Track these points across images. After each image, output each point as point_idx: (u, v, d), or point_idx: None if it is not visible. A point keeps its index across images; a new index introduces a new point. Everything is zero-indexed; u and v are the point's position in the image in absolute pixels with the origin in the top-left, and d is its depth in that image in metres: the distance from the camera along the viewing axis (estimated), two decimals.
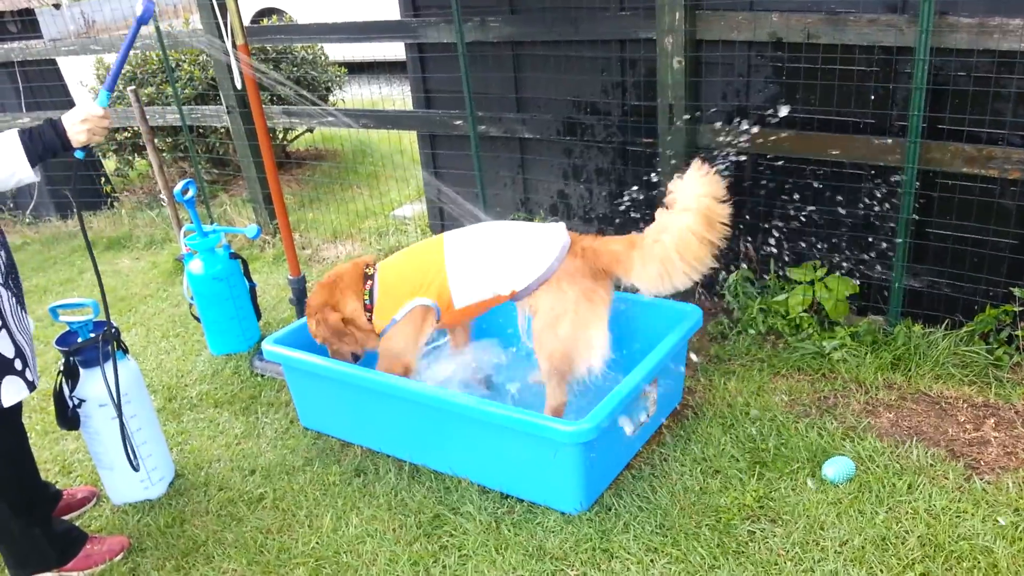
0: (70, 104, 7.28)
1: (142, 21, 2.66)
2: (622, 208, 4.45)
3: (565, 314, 2.98)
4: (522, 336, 3.30)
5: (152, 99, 6.81)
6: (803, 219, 3.87)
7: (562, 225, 3.15)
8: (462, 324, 3.45)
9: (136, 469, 2.99)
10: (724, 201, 2.84)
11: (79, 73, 7.93)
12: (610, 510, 2.85)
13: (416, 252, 3.31)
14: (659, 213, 2.96)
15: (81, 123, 2.49)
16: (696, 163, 2.90)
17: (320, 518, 3.00)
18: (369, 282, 3.23)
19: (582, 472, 2.75)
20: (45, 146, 2.48)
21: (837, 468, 2.88)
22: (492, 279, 3.10)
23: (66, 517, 3.14)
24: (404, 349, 3.20)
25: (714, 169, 2.90)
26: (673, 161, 3.96)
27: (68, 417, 2.96)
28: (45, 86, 7.07)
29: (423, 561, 2.73)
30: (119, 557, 2.92)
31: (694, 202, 2.83)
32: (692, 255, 2.85)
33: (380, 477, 3.17)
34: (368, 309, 3.23)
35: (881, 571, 2.47)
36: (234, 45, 3.69)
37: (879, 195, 3.63)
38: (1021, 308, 3.35)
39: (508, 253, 3.09)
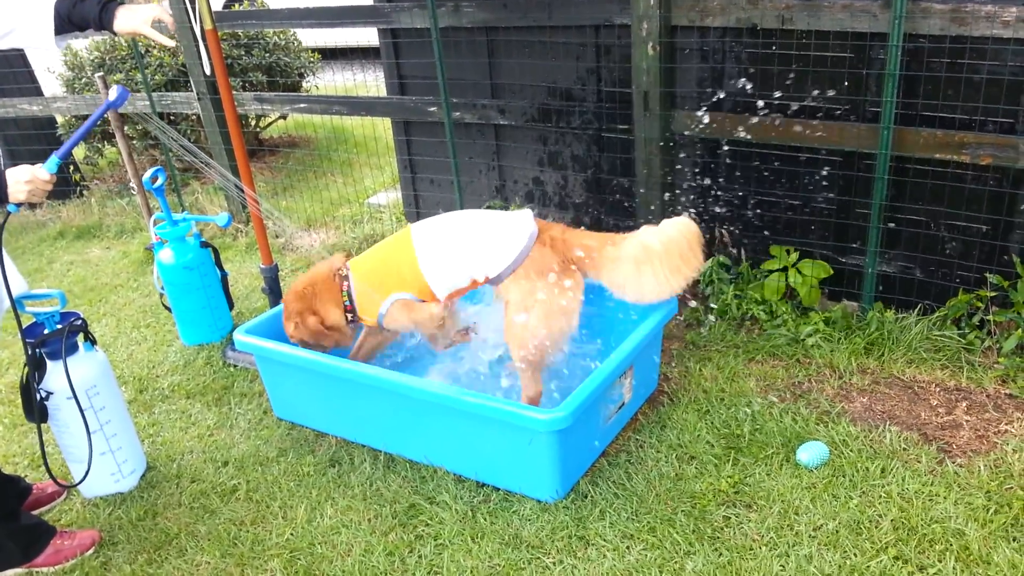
0: (37, 91, 7.14)
1: (112, 106, 2.66)
2: (598, 195, 4.44)
3: (535, 305, 2.97)
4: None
5: (127, 89, 6.69)
6: (777, 205, 3.88)
7: (529, 213, 3.12)
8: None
9: (84, 476, 2.97)
10: (702, 247, 2.99)
11: (46, 59, 7.77)
12: (586, 497, 2.85)
13: (385, 249, 3.27)
14: (642, 228, 3.01)
15: (25, 183, 2.47)
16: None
17: (294, 509, 2.97)
18: (345, 283, 3.21)
19: (558, 460, 2.74)
20: None
21: (811, 453, 2.89)
22: (466, 266, 3.08)
23: (37, 512, 3.09)
24: (413, 317, 3.14)
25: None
26: (649, 146, 3.95)
27: (36, 409, 2.90)
28: (12, 72, 6.92)
29: (399, 551, 2.71)
30: (90, 551, 2.88)
31: (676, 229, 2.94)
32: (669, 266, 2.91)
33: (355, 467, 3.15)
34: (349, 310, 3.21)
35: (855, 555, 2.49)
36: (203, 30, 3.61)
37: (853, 181, 3.64)
38: (994, 293, 3.38)
39: (477, 241, 3.07)
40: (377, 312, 3.15)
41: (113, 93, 2.66)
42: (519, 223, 3.07)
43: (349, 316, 3.23)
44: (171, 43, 2.93)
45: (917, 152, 3.35)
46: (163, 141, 5.42)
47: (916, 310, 3.60)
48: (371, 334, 3.45)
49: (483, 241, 3.06)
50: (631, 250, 2.95)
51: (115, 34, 2.71)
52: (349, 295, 3.20)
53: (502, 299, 3.09)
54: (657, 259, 2.91)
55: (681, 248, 2.91)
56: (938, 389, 3.26)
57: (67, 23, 2.61)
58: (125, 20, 2.64)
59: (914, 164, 3.45)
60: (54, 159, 2.56)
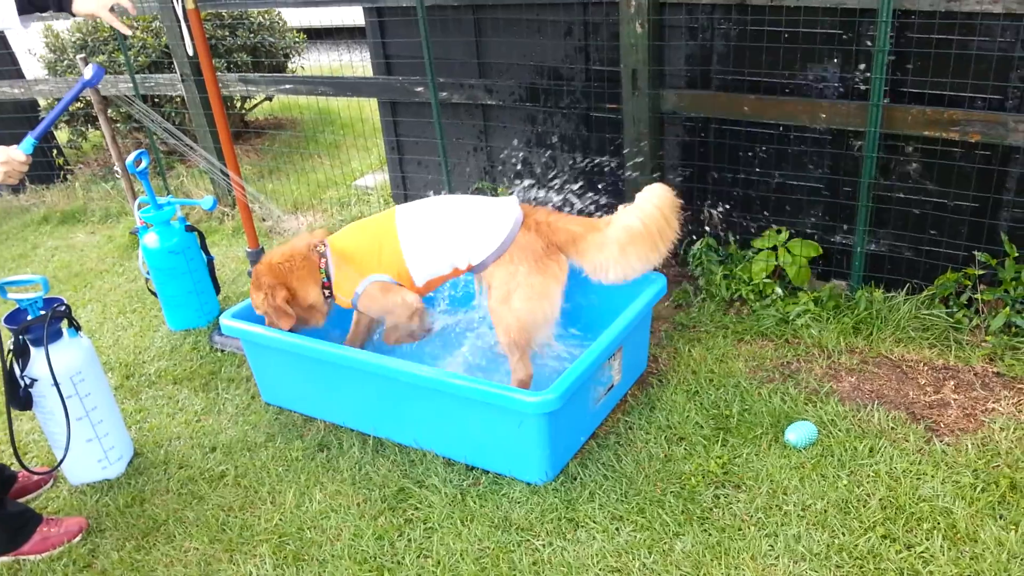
0: (19, 74, 7.05)
1: (88, 84, 2.65)
2: (587, 175, 4.41)
3: (518, 288, 2.96)
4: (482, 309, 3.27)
5: (103, 67, 6.60)
6: (766, 184, 3.86)
7: (515, 199, 3.10)
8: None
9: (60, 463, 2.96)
10: (678, 213, 2.98)
11: (27, 41, 7.67)
12: (575, 479, 2.85)
13: (367, 228, 3.23)
14: (619, 209, 3.00)
15: (1, 164, 2.44)
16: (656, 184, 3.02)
17: (283, 494, 2.96)
18: (323, 260, 3.17)
19: (547, 442, 2.74)
20: None
21: (800, 433, 2.89)
22: (449, 253, 3.06)
23: (23, 499, 3.07)
24: (387, 303, 3.11)
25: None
26: (638, 124, 3.92)
27: (20, 397, 2.87)
28: None
29: (388, 535, 2.70)
30: (77, 539, 2.86)
31: (652, 203, 2.92)
32: (650, 244, 2.92)
33: (344, 452, 3.13)
34: (327, 287, 3.18)
35: (843, 534, 2.50)
36: (184, 10, 3.55)
37: (842, 159, 3.62)
38: (982, 271, 3.38)
39: (462, 228, 3.04)
40: (352, 292, 3.12)
41: (88, 72, 2.64)
42: (504, 210, 3.04)
43: (326, 293, 3.20)
44: (127, 31, 2.94)
45: (907, 130, 3.34)
46: (146, 124, 5.35)
47: (904, 289, 3.60)
48: (360, 325, 3.42)
49: (467, 228, 3.03)
50: (615, 234, 2.94)
51: (73, 15, 2.74)
52: (327, 272, 3.17)
53: (485, 283, 3.07)
54: (640, 239, 2.91)
55: (659, 224, 2.91)
56: (926, 368, 3.26)
57: (28, 4, 2.62)
58: (84, 3, 2.68)
59: (902, 142, 3.43)
60: (29, 140, 2.53)
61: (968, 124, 3.18)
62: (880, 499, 2.61)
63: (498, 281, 3.00)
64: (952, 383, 3.15)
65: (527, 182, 4.67)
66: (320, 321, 3.27)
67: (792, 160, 3.75)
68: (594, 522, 2.65)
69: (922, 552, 2.41)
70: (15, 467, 3.19)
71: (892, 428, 2.93)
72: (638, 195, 2.98)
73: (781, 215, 3.88)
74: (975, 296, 3.41)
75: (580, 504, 2.73)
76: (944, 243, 3.52)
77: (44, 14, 2.75)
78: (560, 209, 4.22)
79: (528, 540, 2.62)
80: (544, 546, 2.59)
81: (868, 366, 3.31)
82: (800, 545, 2.47)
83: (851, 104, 3.42)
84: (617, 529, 2.62)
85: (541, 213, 3.08)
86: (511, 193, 4.63)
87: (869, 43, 3.33)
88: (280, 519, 2.84)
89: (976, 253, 3.40)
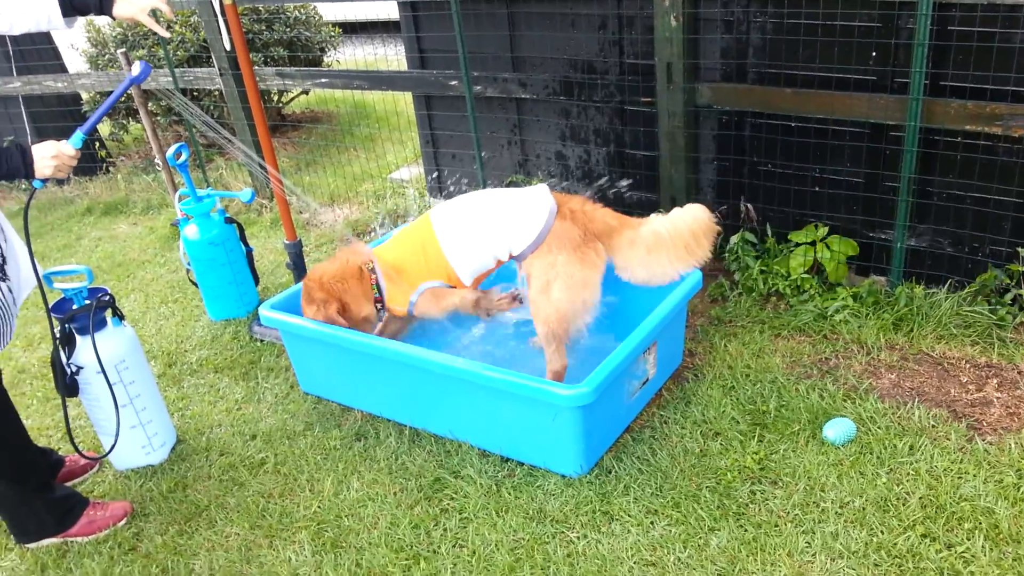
0: (61, 68, 7.18)
1: (135, 81, 2.71)
2: (621, 169, 4.41)
3: (557, 278, 2.98)
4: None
5: (150, 65, 6.71)
6: (803, 178, 3.82)
7: (545, 188, 3.12)
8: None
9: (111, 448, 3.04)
10: (711, 236, 3.09)
11: (70, 36, 7.81)
12: (610, 473, 2.85)
13: (408, 237, 3.28)
14: (654, 215, 3.10)
15: (51, 158, 2.50)
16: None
17: (321, 482, 3.00)
18: (373, 276, 3.23)
19: (582, 435, 2.75)
20: (9, 170, 2.49)
21: (838, 430, 2.87)
22: (489, 247, 3.08)
23: (70, 483, 3.15)
24: (446, 301, 3.16)
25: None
26: (673, 118, 3.90)
27: (66, 384, 2.95)
28: (35, 49, 6.95)
29: (424, 524, 2.74)
30: (122, 522, 2.93)
31: (684, 220, 3.04)
32: (675, 255, 3.03)
33: (380, 441, 3.17)
34: (379, 301, 3.24)
35: (882, 532, 2.48)
36: (222, 5, 3.60)
37: (881, 153, 3.58)
38: None
39: (498, 220, 3.07)
40: (407, 302, 3.17)
41: (136, 68, 2.69)
42: (537, 198, 3.06)
43: (378, 307, 3.26)
44: (166, 33, 3.02)
45: (948, 124, 3.28)
46: (186, 118, 5.43)
47: (946, 285, 3.55)
48: (392, 320, 3.46)
49: (504, 219, 3.06)
50: (645, 236, 3.02)
51: (113, 18, 2.82)
52: (379, 287, 3.22)
53: (525, 274, 3.09)
54: (665, 248, 3.01)
55: (686, 240, 3.01)
56: (968, 365, 3.22)
57: (70, 8, 2.72)
58: (123, 7, 2.75)
59: (943, 136, 3.38)
60: (79, 134, 2.58)
61: (1012, 119, 3.12)
62: (920, 498, 2.58)
63: (537, 271, 3.02)
64: (995, 381, 3.11)
65: (560, 175, 4.68)
66: (371, 329, 3.35)
67: (830, 154, 3.71)
68: (629, 515, 2.66)
69: (963, 552, 2.38)
70: (64, 452, 3.27)
71: (933, 426, 2.90)
72: (676, 208, 3.07)
73: (819, 210, 3.85)
74: (1020, 293, 3.35)
75: (615, 497, 2.74)
76: (987, 239, 3.46)
77: (85, 16, 2.83)
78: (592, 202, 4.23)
79: (563, 532, 2.64)
80: (578, 538, 2.60)
81: (908, 363, 3.27)
82: (838, 543, 2.46)
83: (890, 98, 3.37)
84: (652, 523, 2.62)
85: (576, 202, 3.09)
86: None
87: (908, 36, 3.28)
88: (319, 506, 2.89)
89: (1020, 249, 3.34)
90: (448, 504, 2.82)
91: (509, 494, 2.81)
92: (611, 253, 3.07)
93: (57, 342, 2.89)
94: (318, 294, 3.23)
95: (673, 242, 3.01)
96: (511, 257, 3.10)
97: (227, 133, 4.52)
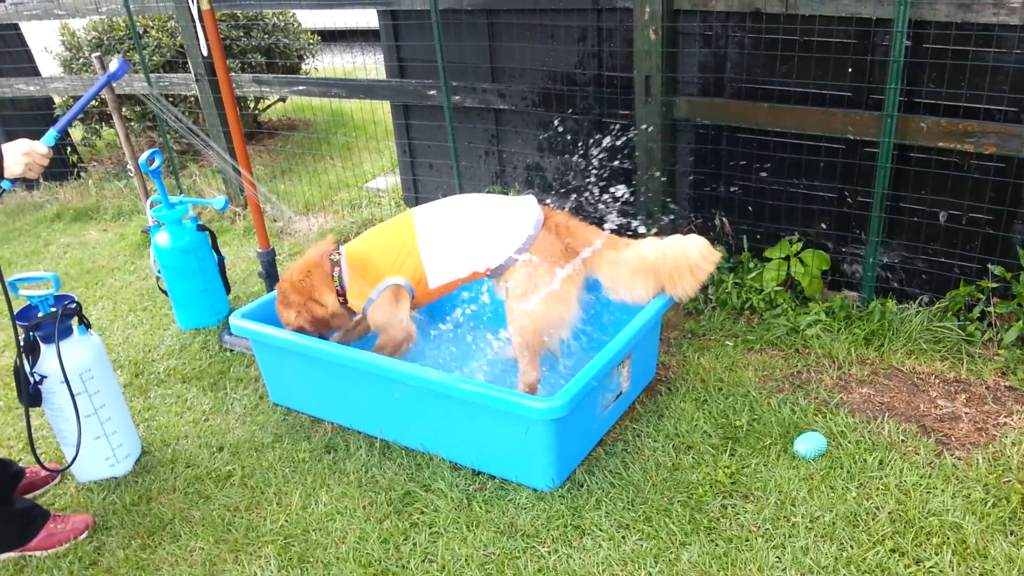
0: (34, 71, 7.09)
1: (112, 78, 2.66)
2: (598, 181, 4.40)
3: (535, 289, 2.95)
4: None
5: (128, 61, 6.64)
6: (780, 193, 3.84)
7: (532, 199, 3.10)
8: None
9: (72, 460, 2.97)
10: (706, 269, 3.00)
11: (43, 39, 7.71)
12: (582, 487, 2.83)
13: (385, 231, 3.25)
14: (648, 238, 3.04)
15: (23, 156, 2.46)
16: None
17: (289, 496, 2.95)
18: (336, 268, 3.18)
19: (554, 449, 2.73)
20: None
21: (809, 444, 2.87)
22: (468, 256, 3.05)
23: (30, 496, 3.08)
24: (390, 319, 3.15)
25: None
26: (650, 131, 3.91)
27: (30, 393, 2.88)
28: (8, 51, 6.88)
29: (393, 539, 2.70)
30: (84, 536, 2.86)
31: (676, 249, 2.95)
32: (657, 284, 2.99)
33: (351, 454, 3.13)
34: (340, 294, 3.19)
35: (852, 547, 2.48)
36: (200, 10, 3.57)
37: (855, 169, 3.60)
38: (995, 284, 3.35)
39: (482, 230, 3.04)
40: (367, 298, 3.13)
41: (114, 65, 2.66)
42: (525, 212, 3.03)
43: (341, 300, 3.21)
44: None
45: (921, 140, 3.31)
46: (164, 119, 5.37)
47: (917, 301, 3.57)
48: (354, 328, 3.44)
49: (488, 232, 3.04)
50: (630, 258, 2.98)
51: None
52: (340, 280, 3.18)
53: (504, 282, 3.07)
54: (651, 274, 2.96)
55: (678, 270, 2.95)
56: (938, 381, 3.23)
57: None
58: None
59: (915, 152, 3.41)
60: (52, 132, 2.54)
61: (983, 136, 3.16)
62: (889, 512, 2.59)
63: (516, 281, 3.00)
64: (964, 396, 3.13)
65: (538, 187, 4.67)
66: (346, 323, 3.31)
67: (805, 169, 3.73)
68: (600, 530, 2.64)
69: (931, 567, 2.38)
70: (25, 463, 3.20)
71: (902, 441, 2.91)
72: (676, 236, 3.01)
73: (793, 224, 3.86)
74: (988, 309, 3.38)
75: (586, 511, 2.72)
76: (958, 255, 3.49)
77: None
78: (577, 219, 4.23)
79: (534, 547, 2.61)
80: (549, 553, 2.58)
81: (879, 378, 3.29)
82: (808, 557, 2.45)
83: (865, 114, 3.40)
84: (623, 537, 2.60)
85: (560, 216, 3.08)
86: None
87: (884, 53, 3.31)
88: (286, 520, 2.84)
89: (990, 266, 3.37)
90: (418, 518, 2.78)
91: (480, 508, 2.78)
92: (593, 270, 3.04)
93: (19, 351, 2.83)
94: (293, 296, 3.19)
95: (657, 270, 2.95)
96: (487, 272, 3.07)
97: (210, 141, 4.48)
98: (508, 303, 3.03)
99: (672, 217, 4.10)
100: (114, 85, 5.14)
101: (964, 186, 3.36)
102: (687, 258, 2.94)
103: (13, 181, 2.49)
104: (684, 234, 3.02)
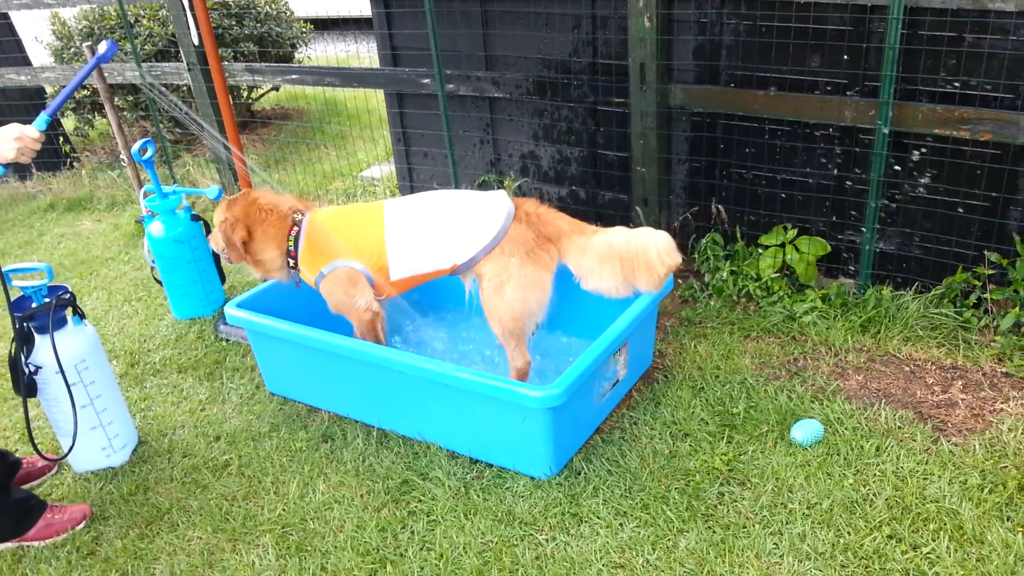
0: (25, 61, 7.04)
1: (101, 60, 2.63)
2: (594, 169, 4.39)
3: (510, 278, 2.97)
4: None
5: (117, 43, 6.60)
6: (774, 180, 3.84)
7: (503, 193, 3.11)
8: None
9: (69, 450, 2.95)
10: (669, 266, 2.94)
11: (33, 28, 7.65)
12: (579, 474, 2.84)
13: (354, 213, 3.25)
14: (616, 228, 3.02)
15: (14, 140, 2.44)
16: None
17: (286, 485, 2.95)
18: (295, 228, 3.18)
19: (552, 437, 2.73)
20: None
21: (806, 431, 2.88)
22: (434, 253, 3.07)
23: (27, 486, 3.07)
24: (345, 303, 3.15)
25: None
26: (645, 120, 3.90)
27: (24, 384, 2.87)
28: None
29: (391, 527, 2.70)
30: (81, 526, 2.86)
31: (641, 241, 2.92)
32: (624, 274, 2.94)
33: (348, 443, 3.13)
34: (292, 256, 3.19)
35: (849, 533, 2.49)
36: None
37: (851, 156, 3.60)
38: (992, 271, 3.35)
39: (451, 226, 3.05)
40: (318, 271, 3.13)
41: (102, 47, 2.64)
42: (494, 208, 3.04)
43: (291, 262, 3.21)
44: None
45: (917, 128, 3.31)
46: (160, 104, 5.34)
47: (913, 288, 3.58)
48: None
49: (457, 226, 3.05)
50: (598, 244, 2.97)
51: None
52: (296, 241, 3.17)
53: (476, 276, 3.07)
54: (617, 262, 2.93)
55: (636, 263, 2.91)
56: (934, 367, 3.24)
57: None
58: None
59: (912, 139, 3.41)
60: (43, 117, 2.52)
61: (979, 123, 3.15)
62: (886, 499, 2.60)
63: (490, 273, 3.01)
64: (960, 383, 3.14)
65: (533, 176, 4.66)
66: (277, 277, 3.29)
67: (801, 156, 3.73)
68: (598, 517, 2.65)
69: (928, 553, 2.40)
70: (22, 454, 3.19)
71: (899, 427, 2.92)
72: (646, 229, 2.98)
73: (789, 212, 3.86)
74: (984, 296, 3.39)
75: (584, 499, 2.72)
76: (954, 242, 3.50)
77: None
78: (564, 203, 4.22)
79: (531, 535, 2.61)
80: (547, 541, 2.58)
81: (875, 365, 3.29)
82: (805, 544, 2.46)
83: (861, 101, 3.40)
84: (621, 525, 2.61)
85: (530, 204, 3.09)
86: (517, 186, 4.62)
87: (879, 40, 3.30)
88: (283, 509, 2.84)
89: (986, 252, 3.38)
90: (416, 507, 2.78)
91: (477, 496, 2.79)
92: (563, 257, 3.05)
93: (13, 342, 2.81)
94: (238, 208, 3.19)
95: (621, 259, 2.92)
96: (454, 269, 3.07)
97: (202, 120, 4.44)
98: (483, 295, 3.04)
99: (667, 205, 4.09)
100: (106, 75, 5.10)
101: (960, 172, 3.36)
102: (645, 253, 2.90)
103: (6, 167, 2.47)
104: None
